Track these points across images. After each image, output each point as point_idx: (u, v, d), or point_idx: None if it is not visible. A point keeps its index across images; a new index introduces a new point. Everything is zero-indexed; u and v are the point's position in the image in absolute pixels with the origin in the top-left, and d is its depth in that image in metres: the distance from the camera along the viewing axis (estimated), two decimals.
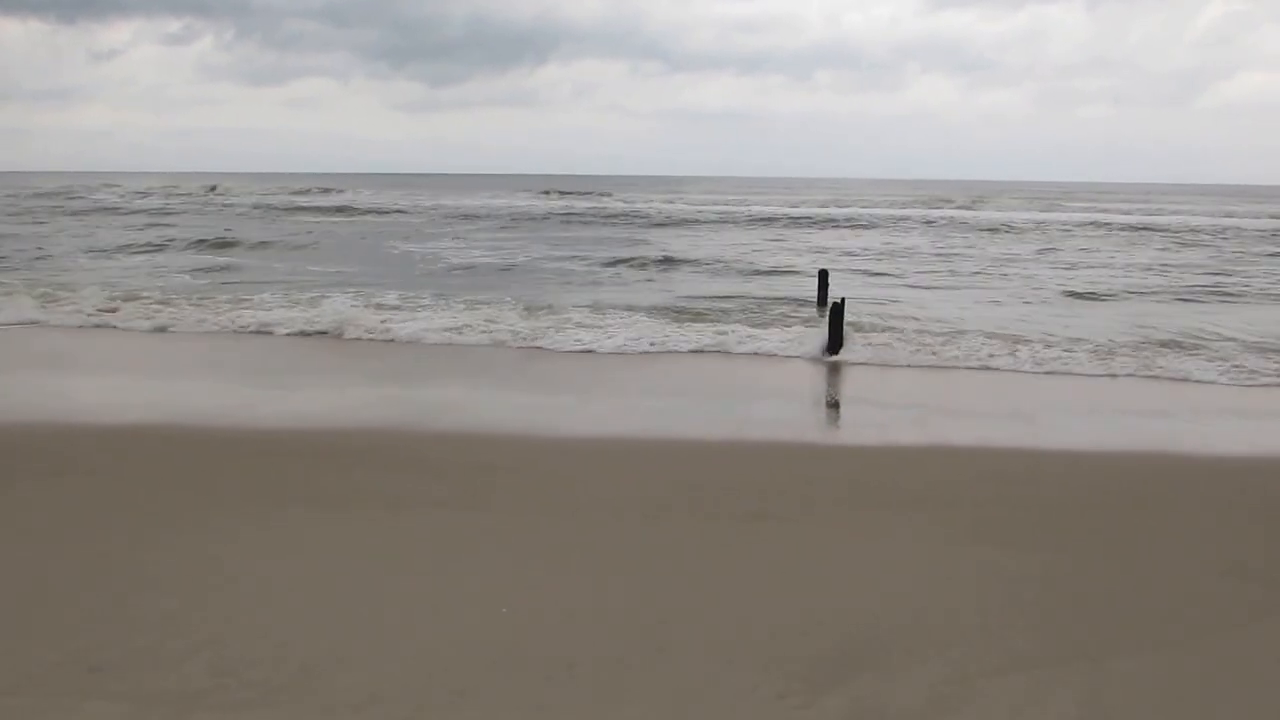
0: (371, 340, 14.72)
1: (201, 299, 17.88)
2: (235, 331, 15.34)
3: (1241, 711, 4.19)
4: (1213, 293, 22.73)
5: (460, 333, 15.17)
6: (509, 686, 4.28)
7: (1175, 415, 10.78)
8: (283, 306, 17.16)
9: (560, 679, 4.35)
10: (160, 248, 30.48)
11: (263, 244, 32.28)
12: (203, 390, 11.02)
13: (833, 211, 55.68)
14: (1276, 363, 13.36)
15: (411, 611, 5.03)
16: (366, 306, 17.05)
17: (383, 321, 15.66)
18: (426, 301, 17.87)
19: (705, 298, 20.19)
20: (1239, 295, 22.36)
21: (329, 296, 17.93)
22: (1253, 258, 31.06)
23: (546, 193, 78.55)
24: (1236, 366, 13.16)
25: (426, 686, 4.27)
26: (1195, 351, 14.40)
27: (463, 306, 17.39)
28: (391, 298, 17.97)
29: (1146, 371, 12.96)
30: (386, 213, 51.83)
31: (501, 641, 4.69)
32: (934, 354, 14.00)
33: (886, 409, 10.74)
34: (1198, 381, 12.42)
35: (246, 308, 16.93)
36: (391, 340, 14.73)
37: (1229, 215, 58.34)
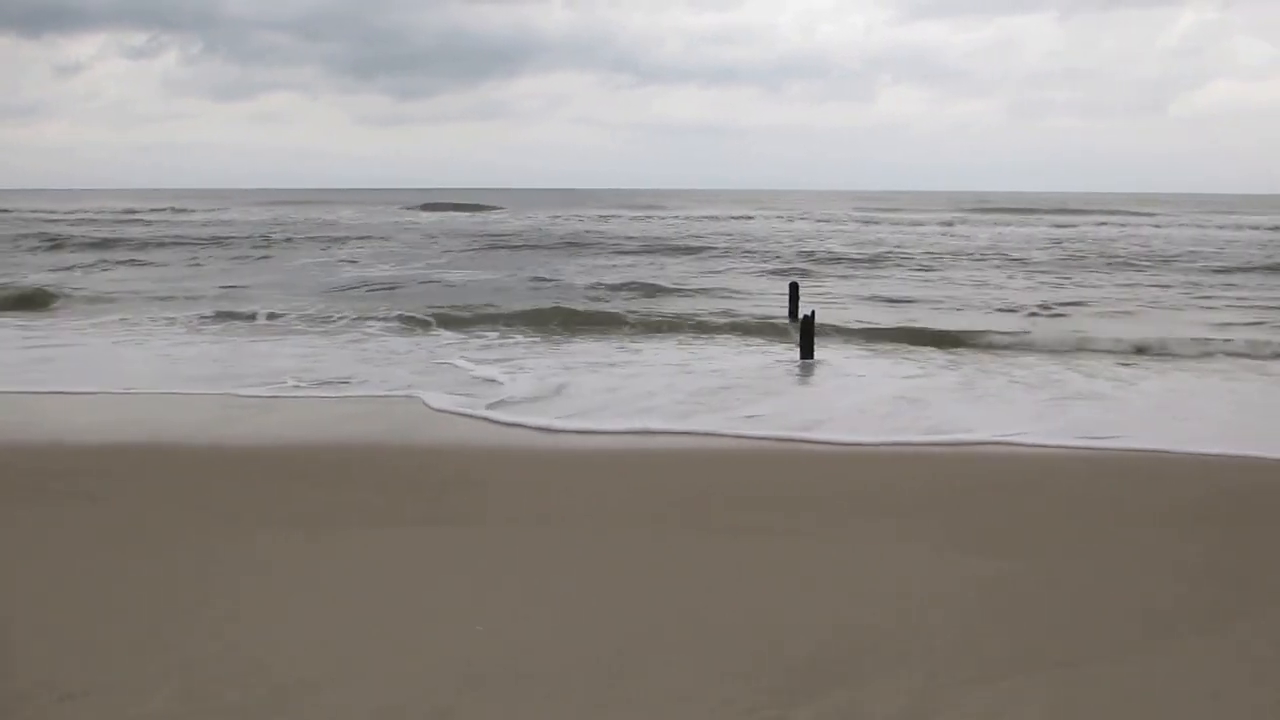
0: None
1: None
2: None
3: (1210, 716, 4.22)
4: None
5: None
6: (485, 705, 4.26)
7: (1146, 413, 10.92)
8: None
9: (536, 697, 4.33)
10: None
11: None
12: (174, 406, 10.93)
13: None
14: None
15: (387, 631, 5.00)
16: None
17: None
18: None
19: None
20: None
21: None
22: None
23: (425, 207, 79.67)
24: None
25: (403, 707, 4.23)
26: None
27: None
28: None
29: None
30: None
31: (478, 659, 4.67)
32: (904, 359, 14.19)
33: (858, 417, 10.79)
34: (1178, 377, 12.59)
35: None
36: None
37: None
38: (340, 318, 18.71)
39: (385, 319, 18.45)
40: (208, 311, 19.36)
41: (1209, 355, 14.91)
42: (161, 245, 38.96)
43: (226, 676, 4.47)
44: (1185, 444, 9.31)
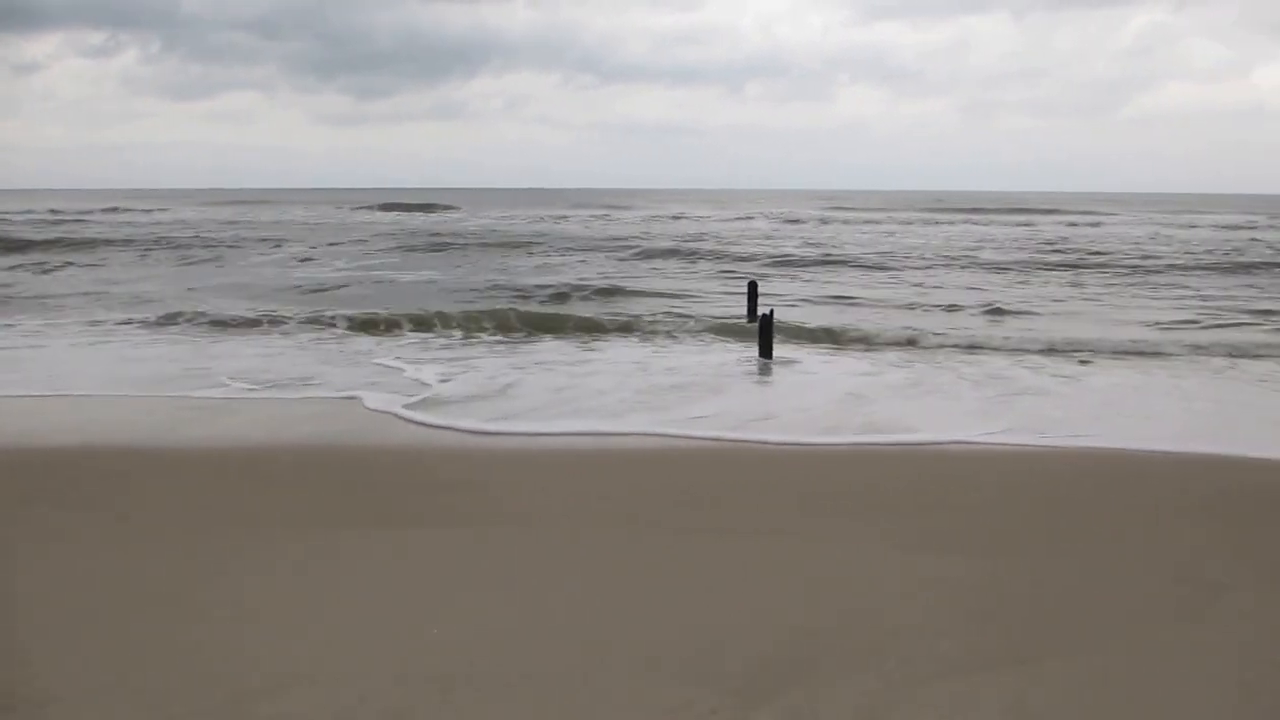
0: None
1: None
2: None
3: (1170, 711, 4.26)
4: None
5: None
6: (441, 709, 4.22)
7: (1096, 410, 11.06)
8: None
9: (494, 699, 4.30)
10: None
11: None
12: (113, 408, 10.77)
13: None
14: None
15: (342, 635, 4.94)
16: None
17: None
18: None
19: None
20: None
21: None
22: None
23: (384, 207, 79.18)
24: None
25: (357, 711, 4.19)
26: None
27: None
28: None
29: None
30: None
31: (435, 663, 4.63)
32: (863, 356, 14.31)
33: (812, 416, 10.86)
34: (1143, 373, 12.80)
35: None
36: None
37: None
38: (286, 319, 18.47)
39: (330, 320, 18.22)
40: (152, 315, 18.94)
41: (1158, 355, 15.15)
42: (110, 245, 38.36)
43: (179, 683, 4.40)
44: (1138, 441, 9.44)
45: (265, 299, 22.22)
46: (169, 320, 18.30)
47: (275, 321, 18.19)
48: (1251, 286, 25.89)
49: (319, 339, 16.58)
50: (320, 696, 4.31)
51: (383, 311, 19.04)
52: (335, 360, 14.35)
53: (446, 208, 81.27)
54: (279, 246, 39.14)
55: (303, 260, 33.61)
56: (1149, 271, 29.49)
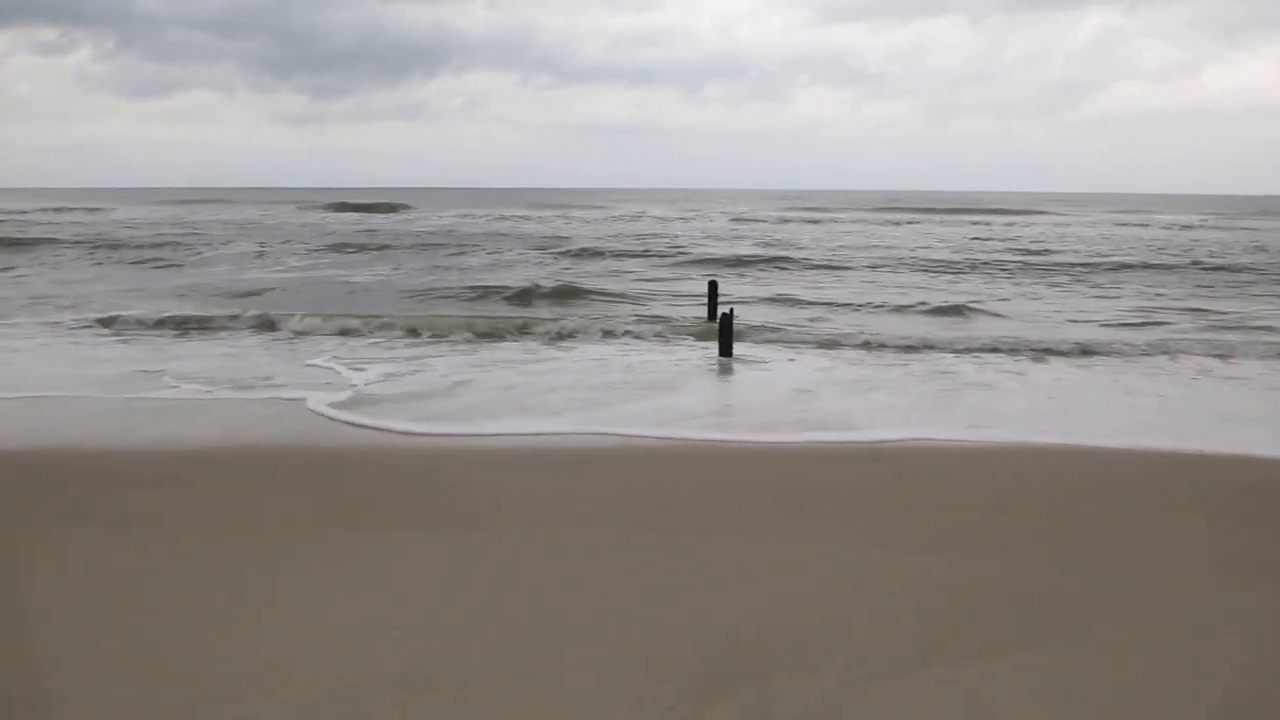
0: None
1: None
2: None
3: (1123, 704, 4.32)
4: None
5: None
6: (399, 711, 4.19)
7: (1077, 408, 11.20)
8: None
9: (453, 700, 4.28)
10: None
11: None
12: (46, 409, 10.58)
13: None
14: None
15: (297, 638, 4.90)
16: None
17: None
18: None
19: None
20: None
21: None
22: None
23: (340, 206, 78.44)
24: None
25: (316, 714, 4.15)
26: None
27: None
28: None
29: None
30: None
31: (393, 664, 4.59)
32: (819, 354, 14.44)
33: (778, 412, 10.92)
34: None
35: None
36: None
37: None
38: (233, 319, 18.24)
39: (272, 322, 17.96)
40: (90, 317, 18.54)
41: (1108, 353, 15.39)
42: (57, 244, 37.64)
43: (128, 689, 4.35)
44: (1090, 437, 9.59)
45: (207, 300, 21.96)
46: (108, 323, 17.95)
47: (206, 324, 17.89)
48: (1197, 284, 26.42)
49: (263, 341, 16.38)
50: (278, 700, 4.26)
51: (330, 312, 18.89)
52: (281, 362, 14.22)
53: (404, 207, 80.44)
54: (226, 245, 38.58)
55: (254, 258, 33.20)
56: (1096, 270, 29.91)
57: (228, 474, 8.21)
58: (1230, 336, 17.25)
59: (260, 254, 34.77)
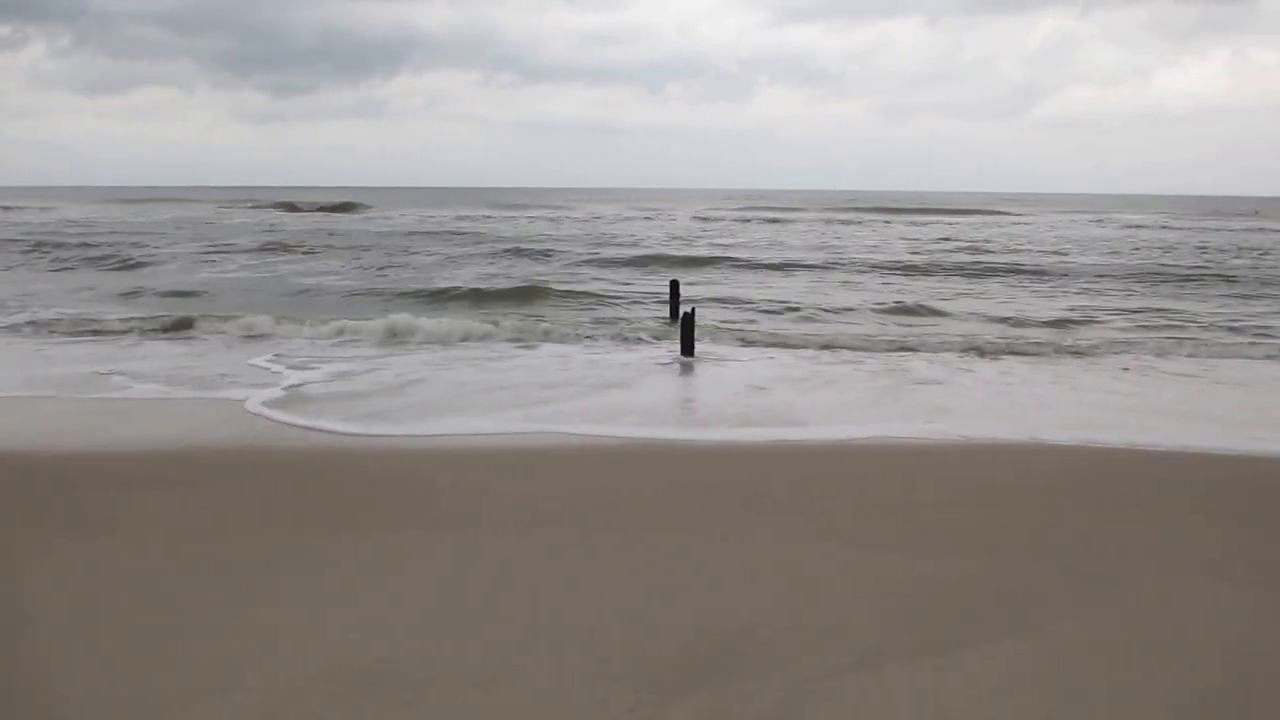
0: None
1: None
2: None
3: (1075, 698, 4.36)
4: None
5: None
6: (358, 714, 4.15)
7: (1028, 404, 11.31)
8: None
9: (413, 704, 4.24)
10: None
11: None
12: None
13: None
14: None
15: (256, 641, 4.84)
16: None
17: None
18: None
19: None
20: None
21: None
22: None
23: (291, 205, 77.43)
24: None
25: (276, 716, 4.11)
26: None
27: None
28: None
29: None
30: None
31: (351, 667, 4.55)
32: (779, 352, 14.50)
33: (738, 411, 10.94)
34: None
35: None
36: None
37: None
38: (190, 319, 17.97)
39: (225, 321, 17.73)
40: (22, 319, 18.18)
41: (1054, 351, 15.62)
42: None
43: (84, 693, 4.28)
44: (1041, 433, 9.73)
45: (167, 302, 21.65)
46: (47, 325, 17.58)
47: (147, 327, 17.52)
48: (1143, 284, 26.81)
49: (207, 343, 16.19)
50: (233, 704, 4.21)
51: (278, 313, 18.63)
52: (220, 362, 14.06)
53: (362, 206, 79.50)
54: (175, 244, 37.99)
55: (202, 258, 32.73)
56: (1047, 269, 30.14)
57: (178, 476, 8.08)
58: (1174, 335, 17.59)
59: (209, 253, 34.26)
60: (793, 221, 60.59)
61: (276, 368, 13.53)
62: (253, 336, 16.55)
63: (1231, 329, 18.61)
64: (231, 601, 5.36)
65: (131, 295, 23.11)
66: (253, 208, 76.64)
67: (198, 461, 8.62)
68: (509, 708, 4.22)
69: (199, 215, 63.50)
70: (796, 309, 21.39)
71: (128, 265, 30.55)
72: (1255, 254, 37.40)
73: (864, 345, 16.11)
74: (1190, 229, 56.82)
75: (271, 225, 53.11)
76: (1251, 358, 15.32)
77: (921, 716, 4.18)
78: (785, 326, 18.59)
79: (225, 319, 17.81)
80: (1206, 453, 9.05)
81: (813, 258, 33.84)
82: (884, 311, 21.13)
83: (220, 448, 9.14)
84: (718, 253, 35.78)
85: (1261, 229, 57.03)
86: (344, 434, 9.68)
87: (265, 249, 35.53)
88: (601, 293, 23.94)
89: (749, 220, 61.91)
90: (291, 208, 75.85)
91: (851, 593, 5.53)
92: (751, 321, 19.18)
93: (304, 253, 34.62)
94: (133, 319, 17.90)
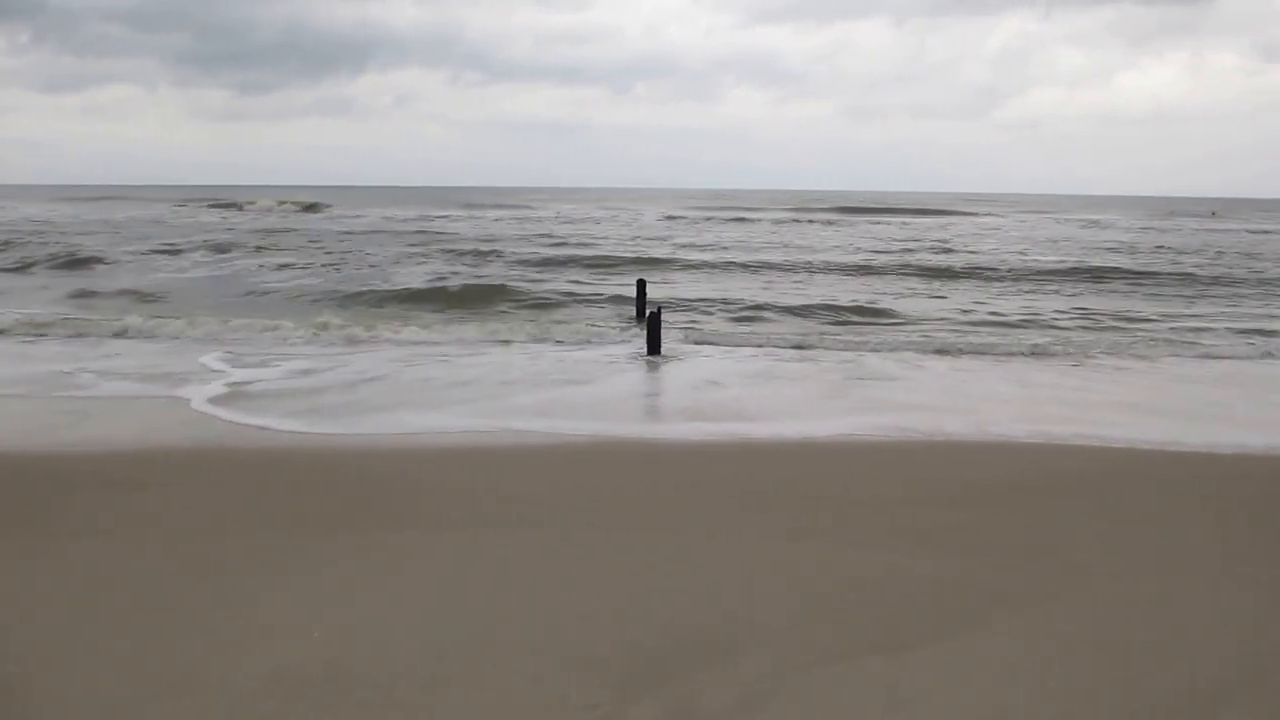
0: None
1: None
2: None
3: (1030, 689, 4.42)
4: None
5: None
6: (320, 714, 4.13)
7: (983, 401, 11.40)
8: None
9: (373, 702, 4.23)
10: None
11: None
12: None
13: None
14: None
15: (218, 640, 4.81)
16: None
17: None
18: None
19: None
20: None
21: None
22: None
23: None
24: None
25: (229, 716, 4.09)
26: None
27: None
28: None
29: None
30: None
31: (314, 667, 4.53)
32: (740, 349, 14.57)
33: (705, 408, 10.99)
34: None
35: None
36: None
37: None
38: (145, 317, 17.91)
39: (173, 321, 17.65)
40: None
41: (1008, 350, 15.81)
42: None
43: (49, 693, 4.25)
44: (996, 429, 9.86)
45: (105, 302, 21.42)
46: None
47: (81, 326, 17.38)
48: (1097, 284, 27.14)
49: (155, 341, 16.08)
50: (194, 704, 4.18)
51: (228, 314, 18.63)
52: (167, 361, 13.95)
53: (324, 205, 78.63)
54: (129, 244, 37.40)
55: (159, 258, 32.33)
56: (1002, 270, 30.25)
57: (130, 477, 7.97)
58: (1124, 335, 17.85)
59: (167, 252, 33.84)
60: (757, 221, 60.70)
61: (222, 366, 13.46)
62: (200, 337, 16.39)
63: (1184, 328, 18.88)
64: (190, 603, 5.31)
65: (83, 296, 22.83)
66: (211, 206, 75.61)
67: (148, 462, 8.51)
68: (470, 706, 4.21)
69: (157, 214, 62.63)
70: (760, 307, 21.48)
71: (75, 263, 30.12)
72: (1212, 253, 37.95)
73: (826, 344, 16.22)
74: (1149, 229, 57.53)
75: (232, 224, 52.53)
76: (1198, 356, 15.53)
77: (883, 710, 4.22)
78: (747, 326, 18.68)
79: (173, 318, 17.67)
80: (1161, 449, 9.18)
81: (776, 257, 33.94)
82: (844, 309, 21.24)
83: (170, 448, 9.04)
84: (685, 253, 35.82)
85: (1210, 230, 57.84)
86: (300, 433, 9.63)
87: (220, 248, 35.14)
88: (568, 292, 23.91)
89: (713, 219, 61.96)
90: (249, 207, 74.85)
91: (814, 589, 5.56)
92: (718, 321, 19.24)
93: (257, 250, 34.30)
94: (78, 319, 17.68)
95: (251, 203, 77.00)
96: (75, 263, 30.24)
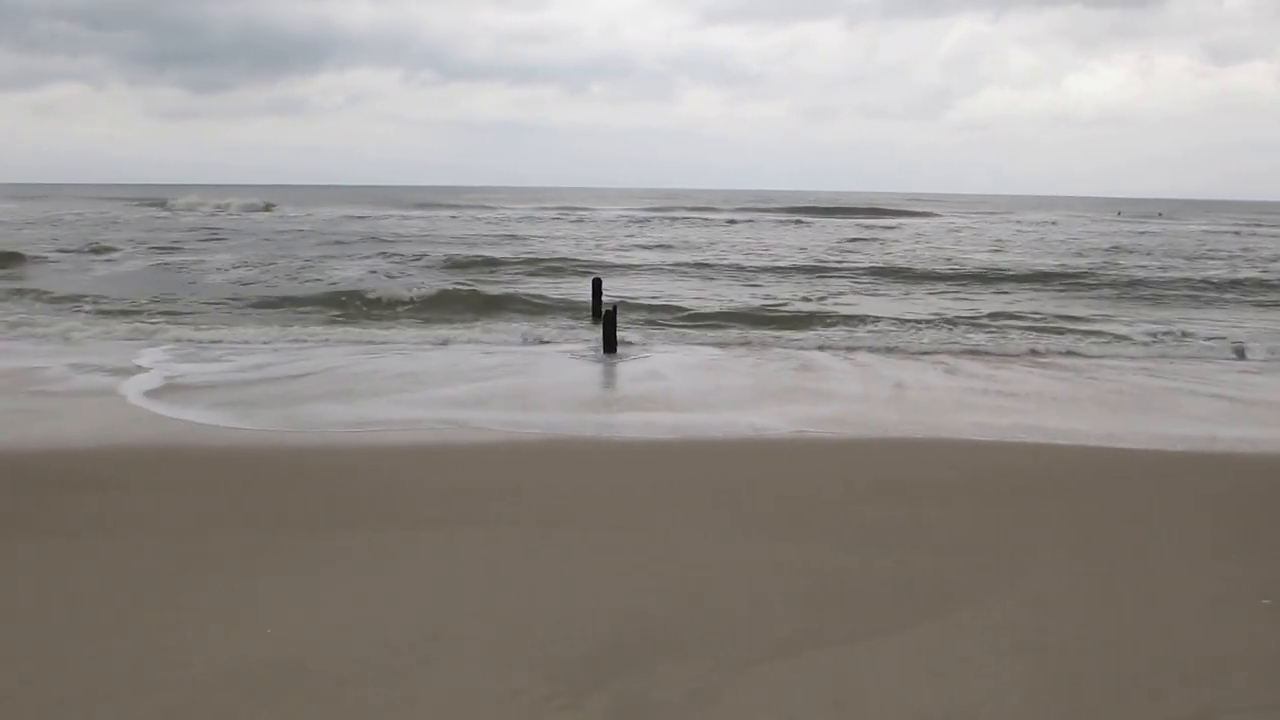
0: None
1: None
2: None
3: (975, 683, 4.51)
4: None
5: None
6: (272, 710, 4.14)
7: (928, 401, 11.53)
8: None
9: (328, 697, 4.25)
10: None
11: None
12: None
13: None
14: None
15: (171, 638, 4.80)
16: None
17: None
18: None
19: None
20: None
21: None
22: None
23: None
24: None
25: (184, 714, 4.09)
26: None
27: None
28: None
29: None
30: None
31: (266, 663, 4.54)
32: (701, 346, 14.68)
33: (659, 406, 11.06)
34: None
35: None
36: None
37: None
38: (79, 312, 17.73)
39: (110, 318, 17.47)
40: None
41: (951, 349, 16.05)
42: None
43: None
44: (941, 430, 10.00)
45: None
46: None
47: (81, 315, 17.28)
48: (1034, 287, 27.37)
49: (92, 336, 15.95)
50: (146, 703, 4.17)
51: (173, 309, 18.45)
52: (94, 353, 13.88)
53: (273, 205, 77.28)
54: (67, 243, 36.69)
55: (100, 256, 31.80)
56: (950, 272, 30.33)
57: (77, 476, 7.91)
58: (1063, 335, 18.11)
59: (108, 251, 33.30)
60: (710, 222, 60.73)
61: (157, 363, 13.38)
62: (136, 336, 16.23)
63: (1110, 333, 19.12)
64: (142, 602, 5.30)
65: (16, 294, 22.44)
66: (151, 204, 74.28)
67: (90, 461, 8.44)
68: (424, 700, 4.24)
69: (106, 212, 61.58)
70: (717, 316, 21.50)
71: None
72: (1160, 254, 38.49)
73: (778, 343, 16.35)
74: (1101, 232, 58.27)
75: (184, 223, 51.80)
76: (1130, 355, 15.80)
77: (831, 703, 4.29)
78: (699, 325, 18.65)
79: (111, 313, 17.45)
80: (1102, 445, 9.35)
81: (729, 258, 33.99)
82: (804, 308, 21.37)
83: (113, 446, 8.95)
84: (634, 254, 35.77)
85: (1146, 232, 58.61)
86: (246, 429, 9.60)
87: (160, 249, 34.66)
88: (525, 292, 23.79)
89: (667, 219, 61.99)
90: (158, 204, 73.34)
91: (766, 584, 5.63)
92: (669, 319, 19.29)
93: (198, 249, 33.84)
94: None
95: (201, 201, 75.57)
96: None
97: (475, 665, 4.55)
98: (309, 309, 20.62)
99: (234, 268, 28.22)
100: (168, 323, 17.61)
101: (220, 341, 15.64)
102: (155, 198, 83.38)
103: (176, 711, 4.12)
